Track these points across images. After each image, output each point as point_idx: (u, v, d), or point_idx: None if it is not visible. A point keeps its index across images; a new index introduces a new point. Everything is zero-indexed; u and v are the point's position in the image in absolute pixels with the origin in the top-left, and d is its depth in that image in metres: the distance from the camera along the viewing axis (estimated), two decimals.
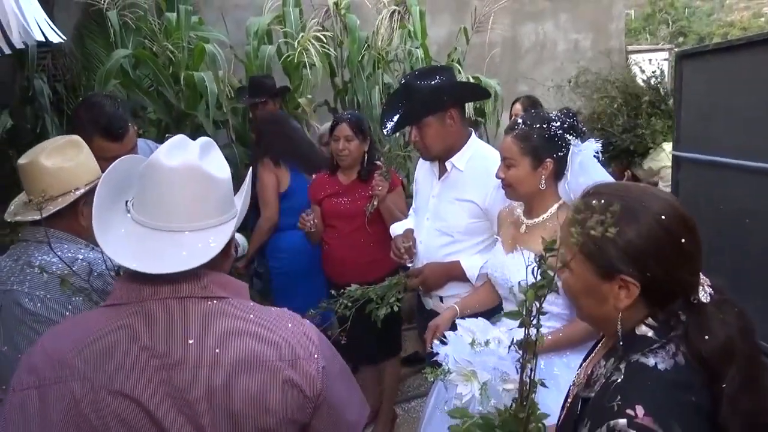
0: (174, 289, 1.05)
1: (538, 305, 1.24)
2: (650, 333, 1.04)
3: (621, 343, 1.06)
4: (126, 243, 1.04)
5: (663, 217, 1.01)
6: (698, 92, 2.33)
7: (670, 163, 2.70)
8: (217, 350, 1.02)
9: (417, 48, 4.52)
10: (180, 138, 1.15)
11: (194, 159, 1.08)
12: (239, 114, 4.56)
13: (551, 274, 1.31)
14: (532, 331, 1.17)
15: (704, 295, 1.03)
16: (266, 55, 4.21)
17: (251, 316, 1.08)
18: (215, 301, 1.07)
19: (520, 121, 1.86)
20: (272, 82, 4.04)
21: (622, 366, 1.04)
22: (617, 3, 7.67)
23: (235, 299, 1.10)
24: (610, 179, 1.87)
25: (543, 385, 1.39)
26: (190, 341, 1.02)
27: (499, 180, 1.91)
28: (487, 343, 1.59)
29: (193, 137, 1.17)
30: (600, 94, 3.02)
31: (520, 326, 1.34)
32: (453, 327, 2.26)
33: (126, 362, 1.00)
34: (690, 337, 1.01)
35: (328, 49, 4.29)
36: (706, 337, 1.00)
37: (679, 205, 1.05)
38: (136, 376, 0.99)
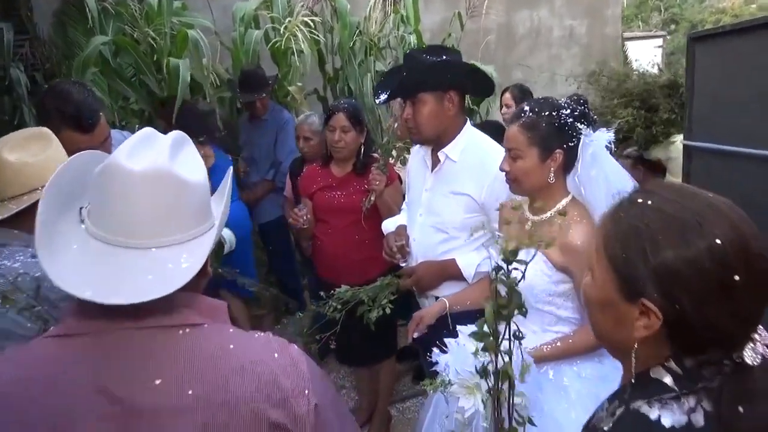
0: (138, 316, 0.88)
1: (508, 328, 1.10)
2: (667, 379, 0.84)
3: (632, 381, 0.87)
4: (77, 263, 0.87)
5: (719, 242, 0.78)
6: (711, 77, 2.18)
7: (680, 155, 2.57)
8: (191, 392, 0.85)
9: (410, 34, 4.36)
10: (146, 133, 0.99)
11: (163, 160, 0.91)
12: (226, 104, 4.39)
13: (518, 291, 1.19)
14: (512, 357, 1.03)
15: (752, 355, 0.81)
16: (252, 42, 4.03)
17: (231, 345, 0.91)
18: (188, 330, 0.91)
19: (526, 108, 1.71)
20: (264, 73, 3.88)
21: (618, 412, 0.87)
22: None
23: (213, 325, 0.94)
24: (623, 172, 1.73)
25: (531, 422, 1.26)
26: (158, 382, 0.85)
27: (502, 172, 1.77)
28: None
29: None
30: (617, 96, 2.85)
31: (483, 350, 1.22)
32: (448, 329, 2.14)
33: (78, 409, 0.83)
34: (723, 402, 0.80)
35: (318, 35, 4.12)
36: (742, 409, 0.78)
37: (750, 234, 0.81)
38: (90, 428, 0.83)
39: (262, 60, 4.28)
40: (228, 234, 2.77)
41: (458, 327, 1.73)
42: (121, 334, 0.87)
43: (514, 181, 1.74)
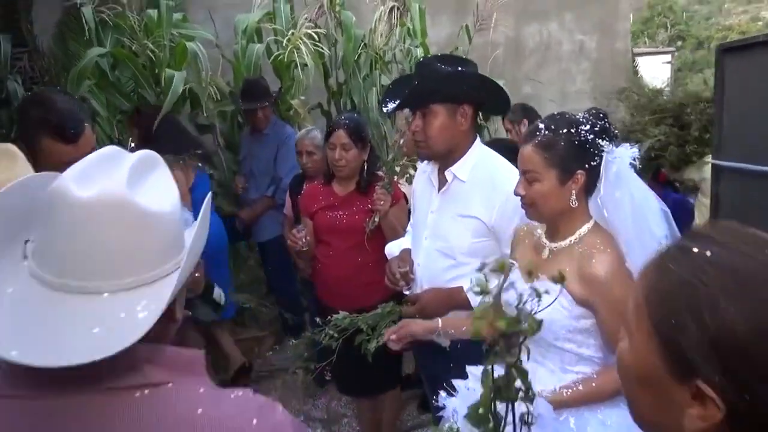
0: (85, 376, 0.72)
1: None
2: None
3: None
4: (8, 312, 0.72)
5: None
6: (743, 91, 2.03)
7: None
8: None
9: (417, 47, 4.23)
10: (107, 152, 0.84)
11: (118, 186, 0.76)
12: (227, 118, 4.27)
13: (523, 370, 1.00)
14: None
15: None
16: (254, 55, 3.91)
17: (200, 410, 0.76)
18: (147, 392, 0.75)
19: (541, 126, 1.55)
20: (266, 84, 3.76)
21: None
22: (623, 2, 7.40)
23: (180, 384, 0.78)
24: (649, 193, 1.57)
25: None
26: None
27: (517, 196, 1.61)
28: None
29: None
30: (648, 113, 2.67)
31: None
32: (450, 362, 1.98)
33: None
34: None
35: (322, 48, 3.99)
36: None
37: None
38: None
39: (264, 73, 4.16)
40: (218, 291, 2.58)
41: (468, 368, 1.56)
42: (63, 401, 0.72)
43: (531, 206, 1.58)
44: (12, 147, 1.47)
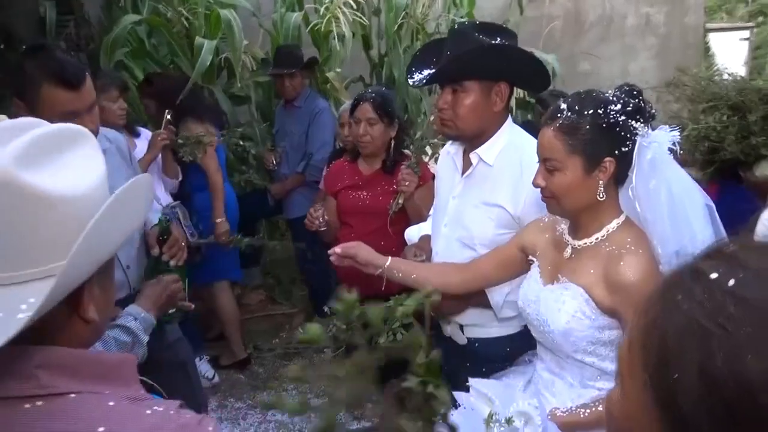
0: None
1: None
2: None
3: None
4: None
5: None
6: None
7: None
8: None
9: (462, 18, 3.98)
10: (12, 124, 0.73)
11: (4, 163, 0.65)
12: (263, 89, 4.17)
13: None
14: None
15: None
16: (291, 24, 3.77)
17: (101, 429, 0.65)
18: (41, 403, 0.65)
19: (564, 106, 1.34)
20: (300, 53, 3.62)
21: None
22: None
23: (88, 394, 0.68)
24: (692, 184, 1.35)
25: None
26: None
27: (536, 188, 1.41)
28: (509, 420, 1.13)
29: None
30: (703, 101, 2.33)
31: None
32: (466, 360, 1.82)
33: None
34: None
35: (361, 18, 3.81)
36: None
37: None
38: None
39: (304, 44, 4.03)
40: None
41: (470, 381, 1.40)
42: None
43: (551, 199, 1.39)
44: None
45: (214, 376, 3.43)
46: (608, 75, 5.96)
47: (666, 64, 6.45)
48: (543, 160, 1.37)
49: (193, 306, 1.79)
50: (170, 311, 1.73)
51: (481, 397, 1.30)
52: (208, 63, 3.38)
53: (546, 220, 1.54)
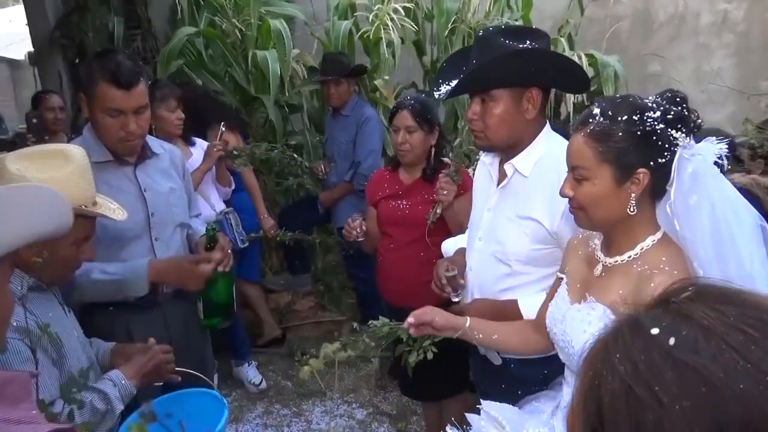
0: None
1: None
2: None
3: None
4: None
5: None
6: None
7: None
8: None
9: (516, 21, 3.86)
10: None
11: None
12: (316, 97, 4.19)
13: None
14: None
15: None
16: (342, 32, 3.77)
17: None
18: None
19: (596, 110, 1.24)
20: (347, 60, 3.61)
21: None
22: None
23: None
24: (741, 201, 1.21)
25: None
26: None
27: (563, 198, 1.32)
28: None
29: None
30: None
31: None
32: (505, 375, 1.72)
33: None
34: None
35: (410, 24, 3.76)
36: None
37: None
38: None
39: (357, 53, 4.02)
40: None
41: (482, 404, 1.32)
42: None
43: (579, 211, 1.28)
44: (71, 150, 1.45)
45: (261, 382, 3.46)
46: (680, 76, 5.63)
47: (745, 63, 6.04)
48: (571, 168, 1.28)
49: (179, 378, 1.70)
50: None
51: (491, 421, 1.21)
52: (279, 73, 3.44)
53: (580, 235, 1.44)
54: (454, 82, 1.79)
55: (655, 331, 0.42)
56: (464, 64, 1.79)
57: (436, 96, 1.87)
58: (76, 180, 1.43)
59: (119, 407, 1.47)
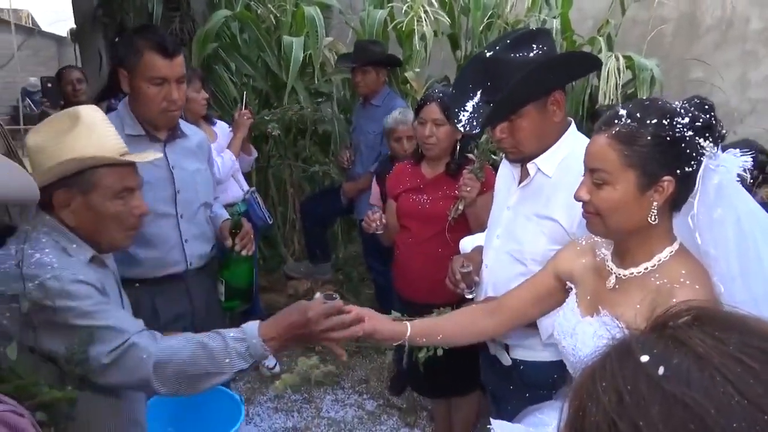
0: None
1: None
2: None
3: None
4: None
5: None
6: None
7: None
8: None
9: (554, 18, 3.77)
10: None
11: None
12: (347, 87, 4.17)
13: None
14: None
15: None
16: (376, 21, 3.74)
17: None
18: None
19: (623, 112, 1.19)
20: (380, 49, 3.58)
21: None
22: None
23: None
24: (766, 218, 1.16)
25: None
26: None
27: (578, 201, 1.27)
28: None
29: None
30: None
31: None
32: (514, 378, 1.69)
33: None
34: None
35: (443, 17, 3.71)
36: None
37: None
38: None
39: (390, 44, 3.98)
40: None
41: (492, 423, 1.29)
42: None
43: (595, 216, 1.24)
44: (75, 110, 1.44)
45: (275, 365, 3.48)
46: (723, 84, 5.45)
47: None
48: (590, 170, 1.23)
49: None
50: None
51: None
52: (300, 60, 3.44)
53: (583, 242, 1.39)
54: (468, 105, 1.73)
55: (644, 358, 0.39)
56: (478, 84, 1.73)
57: (460, 129, 1.78)
58: (87, 134, 1.42)
59: (239, 365, 1.25)
